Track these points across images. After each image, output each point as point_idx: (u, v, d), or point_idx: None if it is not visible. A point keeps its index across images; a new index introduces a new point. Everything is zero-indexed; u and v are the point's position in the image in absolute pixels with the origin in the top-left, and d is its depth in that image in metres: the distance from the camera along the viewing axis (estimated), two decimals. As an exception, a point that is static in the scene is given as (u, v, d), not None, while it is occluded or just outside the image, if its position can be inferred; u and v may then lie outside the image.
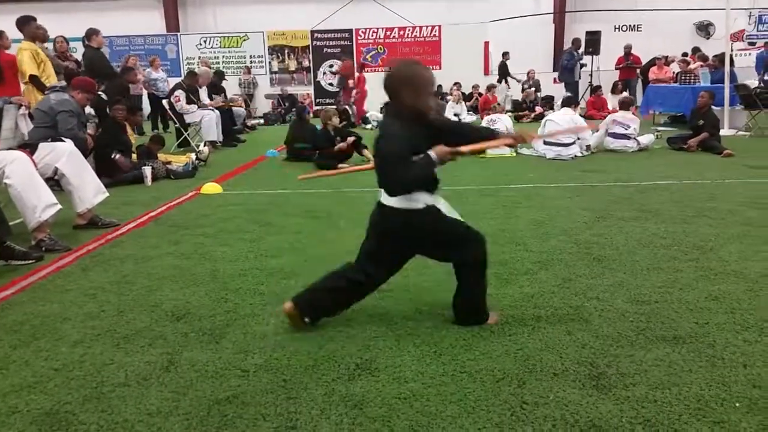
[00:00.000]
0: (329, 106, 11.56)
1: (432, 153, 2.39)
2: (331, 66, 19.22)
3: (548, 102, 15.46)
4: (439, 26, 18.73)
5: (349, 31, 19.11)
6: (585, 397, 2.10)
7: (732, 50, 11.50)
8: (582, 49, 15.51)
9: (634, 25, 18.34)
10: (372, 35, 19.16)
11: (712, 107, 8.59)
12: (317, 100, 18.79)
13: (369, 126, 13.68)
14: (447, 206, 2.63)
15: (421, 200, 2.50)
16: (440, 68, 18.75)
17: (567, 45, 17.93)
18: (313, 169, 7.57)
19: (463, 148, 2.49)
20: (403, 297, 3.08)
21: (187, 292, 3.27)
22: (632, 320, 2.73)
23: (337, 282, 2.67)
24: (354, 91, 14.30)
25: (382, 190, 2.55)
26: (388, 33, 19.07)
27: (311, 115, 13.62)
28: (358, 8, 19.35)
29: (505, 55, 17.17)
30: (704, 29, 18.27)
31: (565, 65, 15.37)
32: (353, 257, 2.72)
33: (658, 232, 4.18)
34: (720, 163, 7.13)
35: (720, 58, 11.64)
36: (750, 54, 16.81)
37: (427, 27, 18.85)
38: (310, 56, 19.02)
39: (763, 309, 2.80)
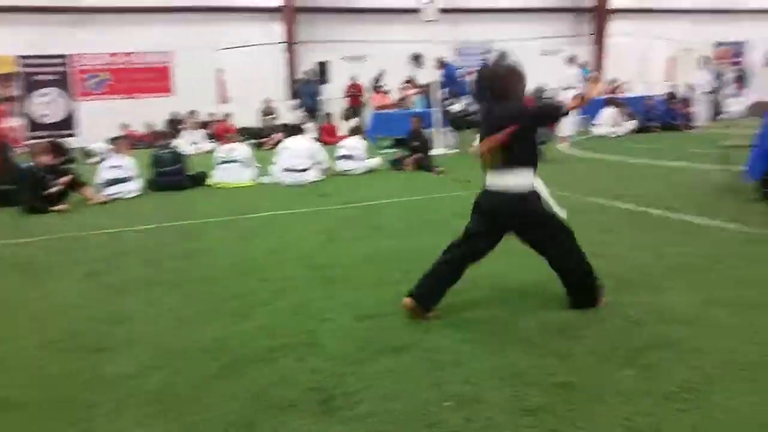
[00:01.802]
0: (42, 141, 10.23)
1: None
2: (44, 95, 17.20)
3: (287, 129, 15.82)
4: (169, 53, 18.00)
5: (66, 56, 17.31)
6: (316, 424, 2.11)
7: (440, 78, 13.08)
8: (317, 78, 16.29)
9: (358, 56, 19.84)
10: (94, 61, 17.62)
11: (425, 129, 9.63)
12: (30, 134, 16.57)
13: (94, 159, 12.47)
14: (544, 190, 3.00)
15: (528, 182, 2.91)
16: (173, 96, 18.05)
17: (299, 74, 18.66)
18: (19, 213, 6.58)
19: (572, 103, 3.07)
20: (128, 354, 2.80)
21: None
22: (359, 336, 2.86)
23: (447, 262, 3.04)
24: None
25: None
26: (113, 59, 17.72)
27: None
28: (75, 33, 17.62)
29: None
30: (417, 60, 20.57)
31: (303, 92, 15.88)
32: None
33: (383, 247, 4.50)
34: (434, 179, 8.02)
35: (430, 85, 13.14)
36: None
37: (156, 53, 17.97)
38: (19, 85, 16.72)
39: (471, 310, 3.15)
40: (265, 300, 3.46)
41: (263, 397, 2.31)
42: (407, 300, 3.03)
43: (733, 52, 22.54)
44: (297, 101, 16.76)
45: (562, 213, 3.06)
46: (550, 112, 3.14)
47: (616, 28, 22.46)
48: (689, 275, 3.54)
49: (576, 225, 4.89)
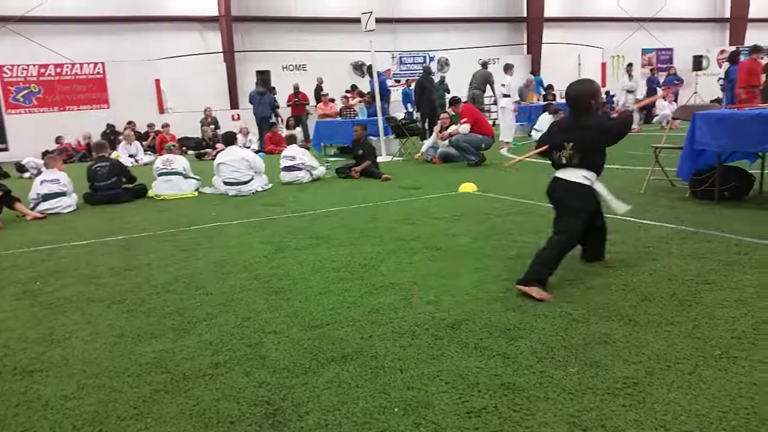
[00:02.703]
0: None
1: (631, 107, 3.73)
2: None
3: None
4: (103, 63, 17.46)
5: (-9, 67, 16.57)
6: (263, 439, 2.07)
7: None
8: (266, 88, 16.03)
9: (299, 65, 19.77)
10: (22, 73, 16.90)
11: (370, 137, 9.64)
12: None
13: (27, 174, 11.99)
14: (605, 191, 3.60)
15: (589, 182, 3.52)
16: (108, 107, 17.53)
17: (240, 83, 18.44)
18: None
19: (636, 106, 4.07)
20: (64, 374, 2.68)
21: None
22: (306, 347, 2.82)
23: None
24: None
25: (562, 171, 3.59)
26: (42, 70, 17.06)
27: None
28: (2, 43, 16.90)
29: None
30: (359, 69, 20.66)
31: (259, 102, 15.50)
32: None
33: (329, 256, 4.47)
34: (380, 186, 8.04)
35: (372, 94, 13.22)
36: (398, 90, 19.60)
37: (88, 64, 17.40)
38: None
39: (415, 315, 3.17)
40: (208, 314, 3.38)
41: (208, 414, 2.25)
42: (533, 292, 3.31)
43: (660, 58, 23.61)
44: (249, 108, 16.26)
45: (622, 208, 3.68)
46: (621, 132, 3.62)
47: (550, 36, 23.20)
48: (625, 273, 3.66)
49: (510, 226, 5.05)
